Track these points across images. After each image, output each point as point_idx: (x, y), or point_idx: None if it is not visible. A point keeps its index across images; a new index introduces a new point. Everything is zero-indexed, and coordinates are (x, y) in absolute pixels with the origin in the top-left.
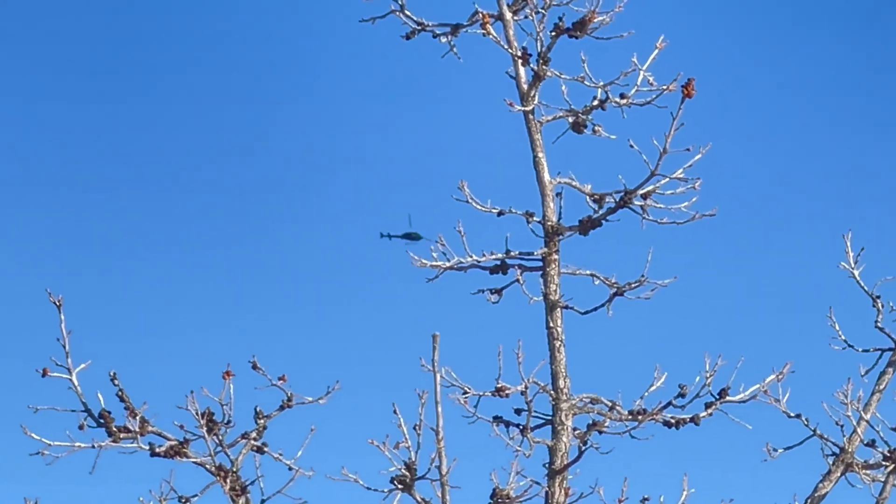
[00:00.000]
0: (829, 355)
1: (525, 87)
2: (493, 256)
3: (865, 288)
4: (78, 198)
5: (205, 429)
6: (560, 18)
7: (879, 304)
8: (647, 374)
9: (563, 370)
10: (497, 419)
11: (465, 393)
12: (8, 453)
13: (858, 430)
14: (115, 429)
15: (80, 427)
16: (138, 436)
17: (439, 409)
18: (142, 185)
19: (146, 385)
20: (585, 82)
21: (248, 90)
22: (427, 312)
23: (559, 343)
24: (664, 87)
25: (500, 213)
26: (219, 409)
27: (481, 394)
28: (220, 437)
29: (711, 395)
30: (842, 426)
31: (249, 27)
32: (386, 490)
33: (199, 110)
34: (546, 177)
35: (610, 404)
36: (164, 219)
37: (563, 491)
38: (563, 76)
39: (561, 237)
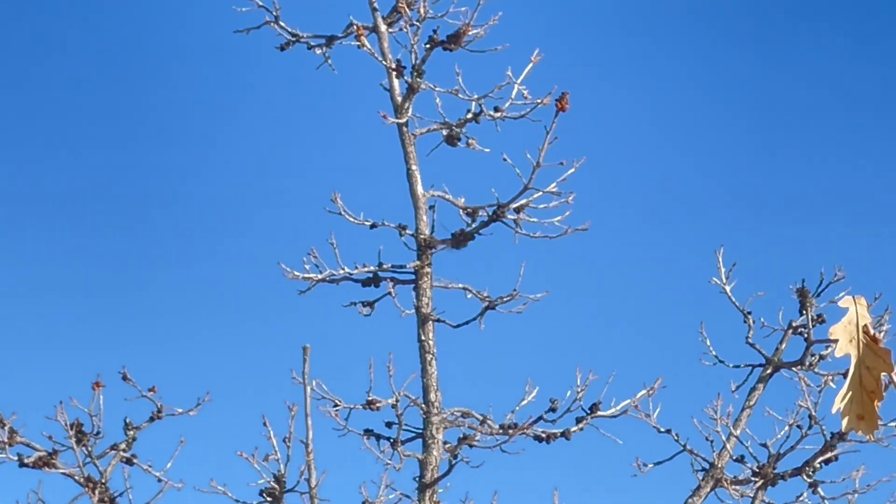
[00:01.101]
0: (699, 371)
1: (399, 99)
2: (366, 269)
3: (737, 304)
4: None
5: (74, 440)
6: (435, 31)
7: (751, 320)
8: (518, 388)
9: (434, 383)
10: (368, 432)
11: (336, 405)
12: None
13: (728, 446)
14: None
15: None
16: (6, 446)
17: (309, 422)
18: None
19: (15, 396)
20: (460, 95)
21: (115, 98)
22: (299, 325)
23: (431, 356)
24: (538, 101)
25: (372, 226)
26: (88, 421)
27: (352, 406)
28: (90, 449)
29: (582, 409)
30: (712, 442)
31: (113, 31)
32: (255, 502)
33: (58, 118)
34: (419, 190)
35: (481, 418)
36: (29, 226)
37: None
38: (437, 89)
39: (434, 250)
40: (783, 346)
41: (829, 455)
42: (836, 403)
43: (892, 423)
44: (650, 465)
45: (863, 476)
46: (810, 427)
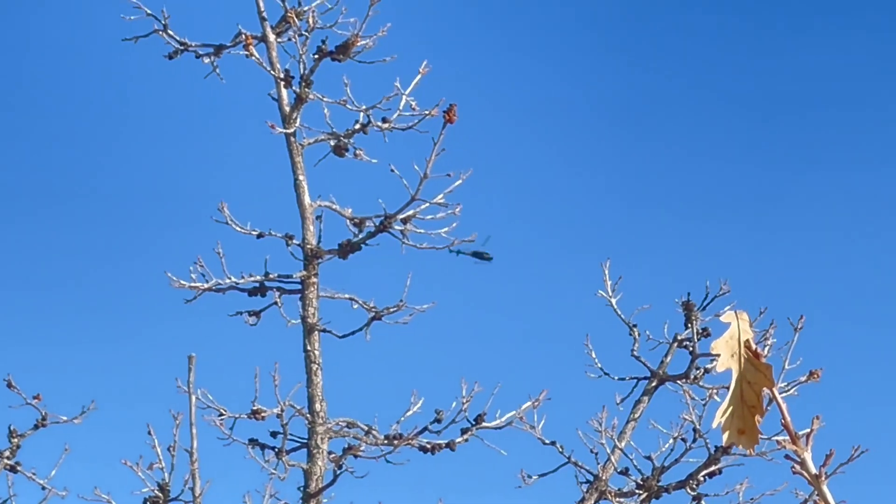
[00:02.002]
0: (585, 383)
1: (287, 109)
2: (252, 279)
3: (623, 316)
4: None
5: None
6: (323, 41)
7: (636, 333)
8: (403, 398)
9: (319, 393)
10: (252, 441)
11: (221, 415)
12: None
13: (613, 458)
14: None
15: None
16: None
17: (194, 431)
18: None
19: None
20: (348, 106)
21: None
22: (185, 333)
23: (316, 366)
24: (426, 112)
25: (259, 236)
26: None
27: (237, 416)
28: None
29: (468, 420)
30: (596, 454)
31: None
32: None
33: None
34: (306, 200)
35: (366, 428)
36: None
37: None
38: (325, 99)
39: (320, 260)
40: (668, 359)
41: (713, 468)
42: (717, 418)
43: (776, 437)
44: (535, 477)
45: (746, 489)
46: (695, 440)
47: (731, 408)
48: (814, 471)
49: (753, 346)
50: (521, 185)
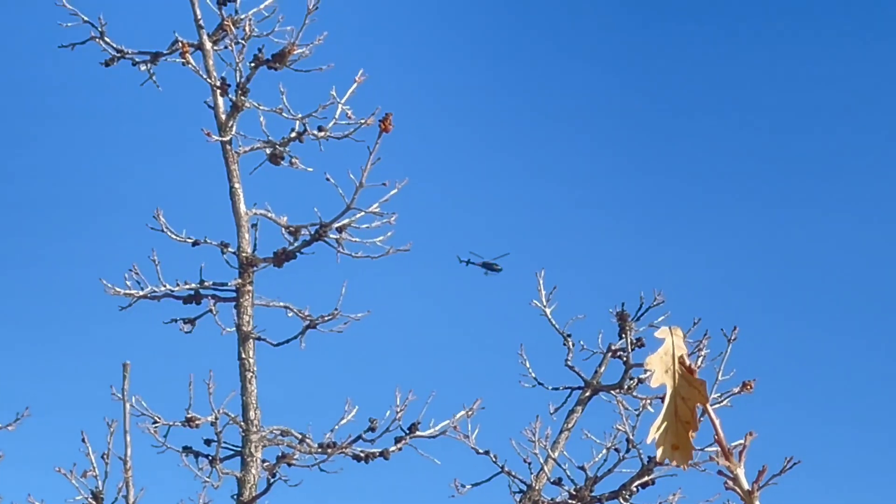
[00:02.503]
0: (519, 393)
1: (223, 117)
2: (188, 286)
3: (557, 326)
4: None
5: None
6: (260, 50)
7: (570, 343)
8: (337, 407)
9: (254, 401)
10: (186, 449)
11: (156, 422)
12: None
13: (546, 468)
14: None
15: None
16: None
17: (128, 438)
18: None
19: None
20: (284, 114)
21: None
22: (119, 341)
23: (251, 374)
24: (362, 121)
25: (195, 243)
26: None
27: (171, 423)
28: None
29: (401, 429)
30: (529, 464)
31: None
32: None
33: None
34: (242, 208)
35: (300, 437)
36: None
37: None
38: (261, 107)
39: (255, 268)
40: (602, 369)
41: (646, 479)
42: (652, 434)
43: (709, 451)
44: (468, 486)
45: (679, 500)
46: (628, 450)
47: (665, 423)
48: (746, 487)
49: (687, 363)
50: (457, 194)
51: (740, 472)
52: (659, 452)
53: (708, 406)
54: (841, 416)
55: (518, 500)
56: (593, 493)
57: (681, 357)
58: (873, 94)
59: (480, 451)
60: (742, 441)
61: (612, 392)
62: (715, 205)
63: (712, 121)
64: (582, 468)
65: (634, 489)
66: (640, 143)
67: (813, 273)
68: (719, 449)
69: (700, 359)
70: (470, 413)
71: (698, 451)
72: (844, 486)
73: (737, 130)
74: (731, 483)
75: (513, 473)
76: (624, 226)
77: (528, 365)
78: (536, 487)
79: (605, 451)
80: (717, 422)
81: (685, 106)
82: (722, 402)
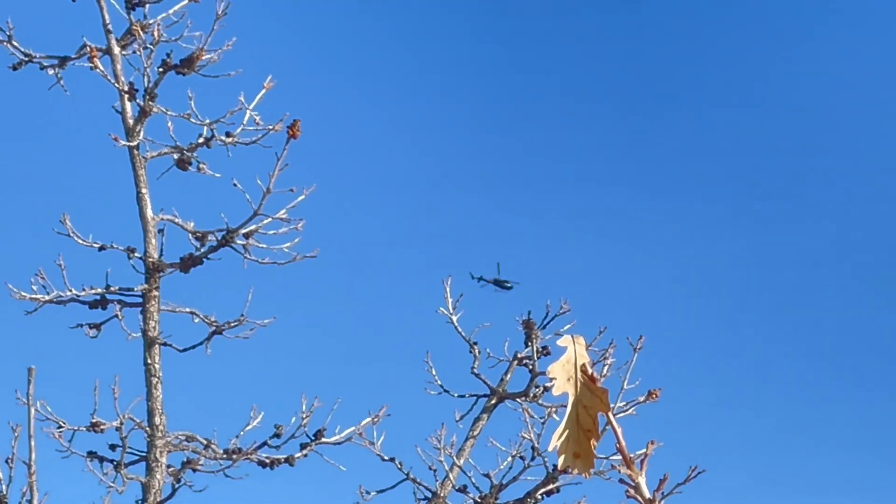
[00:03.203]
0: (425, 400)
1: (131, 122)
2: (94, 291)
3: (463, 334)
4: None
5: None
6: (168, 55)
7: (476, 351)
8: (243, 413)
9: (159, 407)
10: (91, 454)
11: (60, 427)
12: None
13: (451, 476)
14: None
15: None
16: None
17: (33, 443)
18: None
19: None
20: (192, 119)
21: None
22: (25, 345)
23: (156, 380)
24: (270, 127)
25: (101, 248)
26: None
27: (76, 428)
28: None
29: (307, 435)
30: (435, 471)
31: None
32: None
33: None
34: (149, 213)
35: (205, 442)
36: None
37: None
38: (169, 112)
39: (162, 274)
40: (508, 376)
41: (550, 487)
42: (553, 441)
43: (611, 460)
44: (373, 493)
45: None
46: (533, 458)
47: (566, 431)
48: (648, 495)
49: (590, 371)
50: (365, 201)
51: (642, 480)
52: (560, 460)
53: (610, 415)
54: (745, 425)
55: None
56: (498, 501)
57: (583, 365)
58: (767, 89)
59: (386, 457)
60: (644, 450)
61: (518, 400)
62: (622, 214)
63: (621, 127)
64: (487, 476)
65: (539, 497)
66: (547, 150)
67: (721, 283)
68: (621, 457)
69: (606, 367)
70: (376, 420)
71: (600, 459)
72: (748, 495)
73: (645, 137)
74: (632, 492)
75: (418, 480)
76: (531, 234)
77: (434, 372)
78: (441, 495)
79: (510, 458)
80: (618, 430)
81: (595, 111)
82: (627, 410)
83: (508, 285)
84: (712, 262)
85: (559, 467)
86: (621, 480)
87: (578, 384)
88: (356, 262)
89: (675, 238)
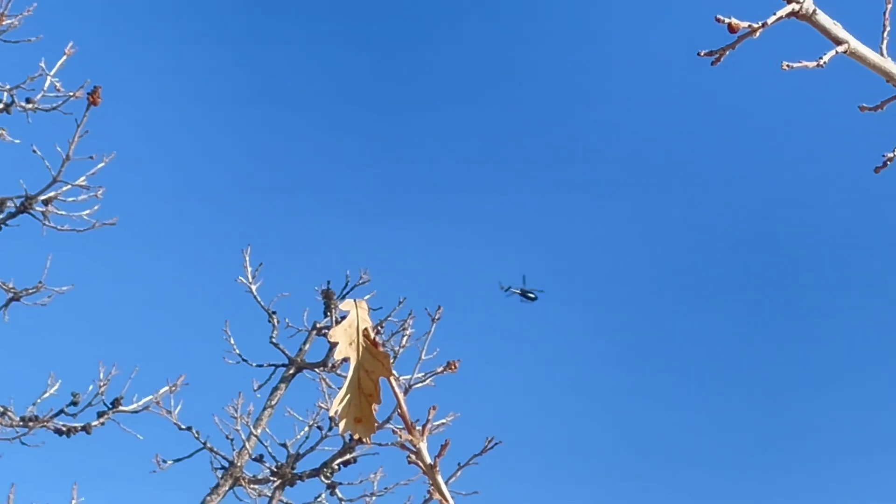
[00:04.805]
0: (223, 369)
1: None
2: None
3: (262, 303)
4: None
5: None
6: None
7: (275, 320)
8: (40, 380)
9: None
10: None
11: None
12: None
13: (248, 445)
14: None
15: None
16: None
17: None
18: None
19: None
20: None
21: None
22: None
23: None
24: (71, 94)
25: None
26: None
27: None
28: None
29: (104, 404)
30: (232, 440)
31: None
32: None
33: None
34: None
35: (1, 409)
36: None
37: None
38: None
39: None
40: (307, 346)
41: (347, 457)
42: (334, 406)
43: (394, 427)
44: (170, 462)
45: (381, 479)
46: (330, 428)
47: (348, 396)
48: (429, 461)
49: (372, 335)
50: (165, 170)
51: (423, 446)
52: (342, 425)
53: (391, 380)
54: (544, 399)
55: (220, 476)
56: (294, 471)
57: (365, 330)
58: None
59: (183, 426)
60: (428, 417)
61: (316, 370)
62: (421, 187)
63: (421, 105)
64: (284, 445)
65: (336, 467)
66: (348, 126)
67: (524, 259)
68: (403, 423)
69: (405, 338)
70: (173, 389)
71: (390, 428)
72: (546, 466)
73: (442, 115)
74: (413, 457)
75: (215, 450)
76: (331, 205)
77: (232, 342)
78: (238, 464)
79: (307, 428)
80: (400, 396)
81: (392, 93)
82: (425, 381)
83: (533, 296)
84: (511, 238)
85: (340, 432)
86: (402, 446)
87: (360, 348)
88: (156, 231)
89: (474, 212)
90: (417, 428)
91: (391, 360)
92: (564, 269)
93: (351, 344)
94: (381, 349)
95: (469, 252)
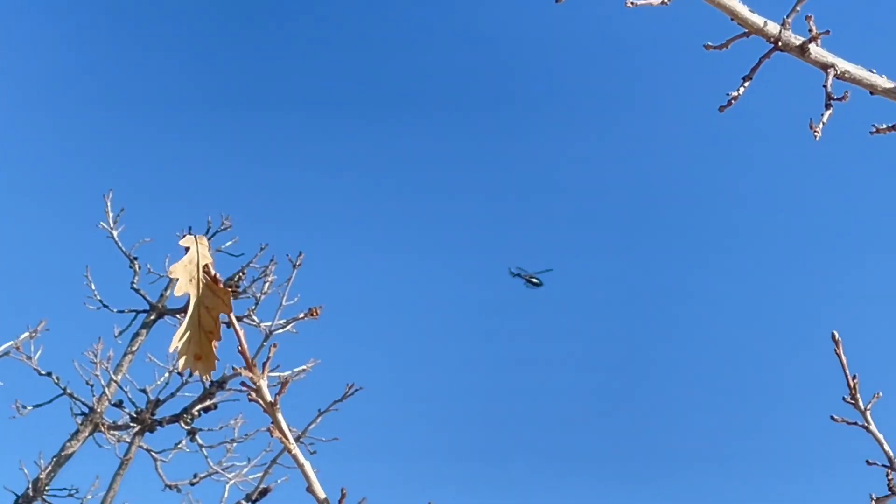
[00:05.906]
0: (83, 315)
1: None
2: None
3: (124, 249)
4: None
5: None
6: None
7: (137, 266)
8: None
9: None
10: None
11: None
12: None
13: (108, 391)
14: None
15: None
16: None
17: None
18: None
19: None
20: None
21: None
22: None
23: None
24: None
25: None
26: None
27: None
28: None
29: None
30: (92, 386)
31: None
32: None
33: None
34: None
35: None
36: None
37: None
38: None
39: None
40: (168, 292)
41: (208, 403)
42: (174, 343)
43: (237, 368)
44: (29, 408)
45: (241, 425)
46: (191, 374)
47: (188, 333)
48: (269, 398)
49: (212, 272)
50: (23, 113)
51: (263, 383)
52: (181, 362)
53: (232, 316)
54: (406, 346)
55: (80, 422)
56: (154, 417)
57: (205, 266)
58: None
59: (43, 372)
60: (269, 354)
61: (178, 316)
62: (284, 133)
63: (318, 52)
64: (144, 391)
65: (196, 413)
66: (215, 66)
67: (385, 210)
68: (243, 360)
69: (266, 284)
70: (33, 334)
71: (221, 362)
72: (407, 413)
73: (339, 60)
74: (254, 395)
75: (75, 395)
76: (193, 149)
77: (93, 287)
78: (98, 410)
79: (167, 374)
80: (241, 333)
81: (254, 33)
82: (286, 327)
83: (537, 282)
84: (375, 181)
85: (180, 369)
86: (243, 383)
87: (200, 285)
88: (12, 173)
89: (337, 158)
90: (258, 366)
91: (230, 298)
92: (421, 209)
93: (191, 280)
94: (220, 286)
95: (334, 196)
